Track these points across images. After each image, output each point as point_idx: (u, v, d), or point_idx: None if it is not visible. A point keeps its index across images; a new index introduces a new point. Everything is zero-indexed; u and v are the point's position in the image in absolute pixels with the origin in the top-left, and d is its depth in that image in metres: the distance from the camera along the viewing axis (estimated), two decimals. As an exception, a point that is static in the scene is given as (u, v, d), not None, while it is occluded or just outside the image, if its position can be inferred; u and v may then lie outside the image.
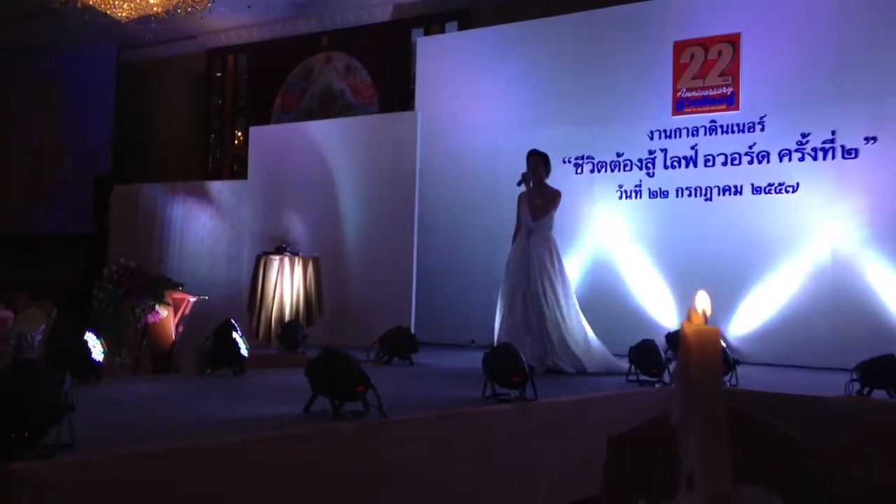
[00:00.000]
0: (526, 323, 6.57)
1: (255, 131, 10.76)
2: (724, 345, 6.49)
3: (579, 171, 9.01)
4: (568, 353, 6.48)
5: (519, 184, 6.92)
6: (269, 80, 12.77)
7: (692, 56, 8.46)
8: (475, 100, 9.74)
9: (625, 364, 6.48)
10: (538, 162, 7.00)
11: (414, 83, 10.56)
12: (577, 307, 6.83)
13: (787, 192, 7.93)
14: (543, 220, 6.86)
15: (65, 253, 13.89)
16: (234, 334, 5.62)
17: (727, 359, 5.66)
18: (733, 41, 8.26)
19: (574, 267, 8.78)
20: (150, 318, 7.49)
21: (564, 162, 8.99)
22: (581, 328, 6.71)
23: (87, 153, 13.80)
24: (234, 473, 3.28)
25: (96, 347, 4.89)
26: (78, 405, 2.94)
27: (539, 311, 6.59)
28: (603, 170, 8.90)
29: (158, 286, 7.67)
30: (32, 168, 14.65)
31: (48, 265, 13.96)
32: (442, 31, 11.16)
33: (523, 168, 7.00)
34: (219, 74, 13.54)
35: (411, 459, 3.92)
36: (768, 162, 8.03)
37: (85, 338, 4.89)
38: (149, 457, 3.06)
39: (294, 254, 8.96)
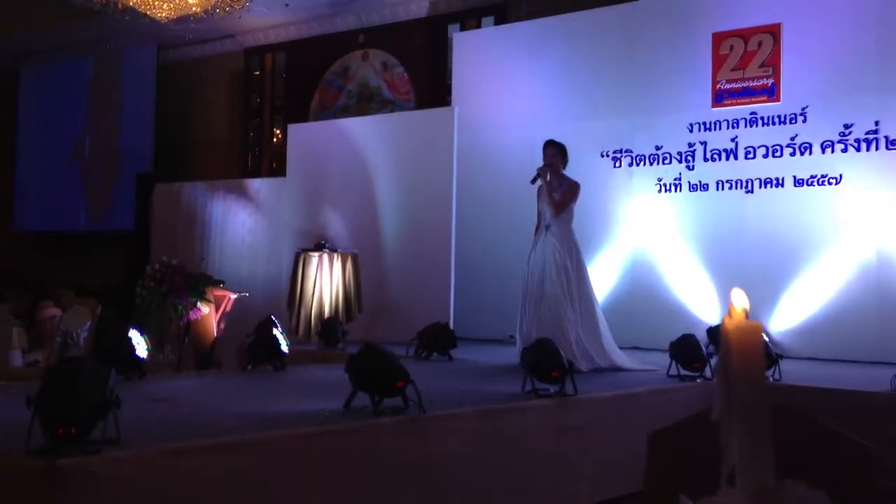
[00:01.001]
0: (544, 322, 6.38)
1: (293, 129, 10.82)
2: (766, 339, 6.43)
3: (618, 164, 8.95)
4: (583, 350, 6.31)
5: (533, 181, 6.66)
6: (307, 77, 12.85)
7: (732, 47, 8.36)
8: (512, 94, 9.71)
9: (632, 363, 6.42)
10: (554, 153, 6.73)
11: (450, 79, 10.56)
12: (596, 302, 6.66)
13: (829, 184, 7.82)
14: (563, 216, 6.62)
15: (107, 251, 14.10)
16: (275, 331, 5.67)
17: (769, 353, 5.60)
18: (774, 32, 8.15)
19: (613, 261, 8.74)
20: (192, 316, 7.55)
21: (603, 155, 8.94)
22: (596, 324, 6.51)
23: (128, 152, 14.01)
24: (276, 468, 3.32)
25: (140, 344, 4.97)
26: (123, 401, 2.99)
27: (557, 308, 6.39)
28: (642, 163, 8.83)
29: (200, 284, 7.73)
30: (75, 167, 14.90)
31: (91, 263, 14.19)
32: (478, 26, 11.14)
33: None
34: (257, 73, 13.66)
35: (451, 455, 3.93)
36: (810, 153, 7.92)
37: (129, 335, 4.97)
38: (192, 452, 3.11)
39: (333, 250, 9.01)
